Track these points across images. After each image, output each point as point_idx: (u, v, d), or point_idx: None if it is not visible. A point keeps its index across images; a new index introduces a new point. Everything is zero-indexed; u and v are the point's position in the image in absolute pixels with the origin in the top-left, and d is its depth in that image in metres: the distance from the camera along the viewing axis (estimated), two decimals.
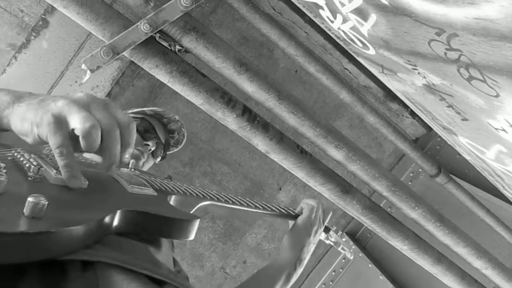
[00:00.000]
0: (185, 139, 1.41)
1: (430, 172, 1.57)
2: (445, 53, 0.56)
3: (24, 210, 0.38)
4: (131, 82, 1.91)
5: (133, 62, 0.59)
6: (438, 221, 0.75)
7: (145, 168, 1.23)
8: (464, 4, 0.42)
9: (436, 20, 0.50)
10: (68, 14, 0.56)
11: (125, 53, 0.57)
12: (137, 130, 1.11)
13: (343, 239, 1.16)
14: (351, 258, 1.23)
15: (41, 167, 0.49)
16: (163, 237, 0.62)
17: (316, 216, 1.02)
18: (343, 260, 2.26)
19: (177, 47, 0.60)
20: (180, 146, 1.42)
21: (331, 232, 1.12)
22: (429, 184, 2.12)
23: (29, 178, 0.47)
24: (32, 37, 1.73)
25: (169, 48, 0.60)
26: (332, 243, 1.14)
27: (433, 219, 0.74)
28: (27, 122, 0.49)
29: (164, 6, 0.56)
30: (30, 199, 0.38)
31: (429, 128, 2.24)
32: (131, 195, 0.57)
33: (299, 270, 0.95)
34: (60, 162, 0.47)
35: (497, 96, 0.56)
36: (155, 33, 0.57)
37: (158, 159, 1.27)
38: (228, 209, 0.84)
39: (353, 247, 2.25)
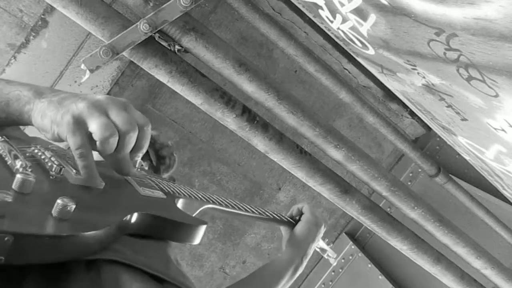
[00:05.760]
0: (176, 163, 1.39)
1: (429, 172, 1.57)
2: (445, 53, 0.56)
3: (53, 211, 0.39)
4: (131, 82, 1.91)
5: (132, 62, 0.59)
6: (437, 221, 0.75)
7: None
8: (464, 4, 0.42)
9: (435, 20, 0.50)
10: (68, 14, 0.56)
11: (125, 53, 0.57)
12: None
13: (329, 246, 1.22)
14: (334, 264, 1.31)
15: (63, 167, 0.49)
16: (170, 240, 0.63)
17: (317, 214, 1.08)
18: (343, 260, 2.26)
19: (177, 47, 0.60)
20: (172, 170, 1.42)
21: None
22: (428, 184, 2.12)
23: (51, 177, 0.48)
24: (32, 37, 1.72)
25: (169, 48, 0.60)
26: (318, 250, 1.19)
27: (433, 219, 0.74)
28: (47, 119, 0.50)
29: (163, 6, 0.56)
30: (59, 201, 0.39)
31: (429, 128, 2.24)
32: (143, 198, 0.58)
33: (304, 264, 1.00)
34: (79, 162, 0.48)
35: (497, 96, 0.56)
36: (154, 33, 0.57)
37: None
38: (228, 213, 0.87)
39: (353, 247, 2.25)
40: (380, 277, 1.99)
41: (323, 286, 2.30)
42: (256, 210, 0.95)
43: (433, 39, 0.55)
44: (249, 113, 0.63)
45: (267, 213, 0.99)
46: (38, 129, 0.52)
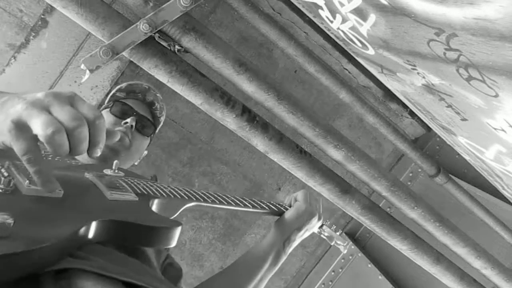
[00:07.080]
0: (164, 103, 1.34)
1: (429, 172, 1.57)
2: (444, 53, 0.56)
3: None
4: None
5: (132, 62, 0.59)
6: (437, 221, 0.75)
7: (139, 147, 1.13)
8: (464, 4, 0.42)
9: (435, 20, 0.50)
10: (67, 14, 0.56)
11: (125, 53, 0.57)
12: (115, 115, 1.10)
13: (337, 233, 1.17)
14: (345, 252, 1.25)
15: (13, 178, 0.47)
16: (143, 246, 0.60)
17: (313, 203, 1.02)
18: (343, 260, 2.26)
19: (177, 47, 0.60)
20: (164, 113, 1.36)
21: (324, 227, 1.13)
22: (428, 184, 2.12)
23: (0, 191, 0.45)
24: (31, 37, 1.72)
25: (169, 48, 0.60)
26: (325, 237, 1.15)
27: (432, 219, 0.74)
28: None
29: (163, 6, 0.56)
30: None
31: (428, 128, 2.24)
32: (110, 202, 0.55)
33: (288, 250, 0.94)
34: (30, 168, 0.45)
35: (496, 96, 0.56)
36: (154, 33, 0.57)
37: (150, 135, 1.20)
38: (216, 209, 0.82)
39: (352, 247, 2.25)
40: (380, 277, 1.99)
41: (323, 286, 2.30)
42: (250, 203, 0.90)
43: (433, 39, 0.55)
44: (249, 113, 0.63)
45: (261, 204, 0.94)
46: None
